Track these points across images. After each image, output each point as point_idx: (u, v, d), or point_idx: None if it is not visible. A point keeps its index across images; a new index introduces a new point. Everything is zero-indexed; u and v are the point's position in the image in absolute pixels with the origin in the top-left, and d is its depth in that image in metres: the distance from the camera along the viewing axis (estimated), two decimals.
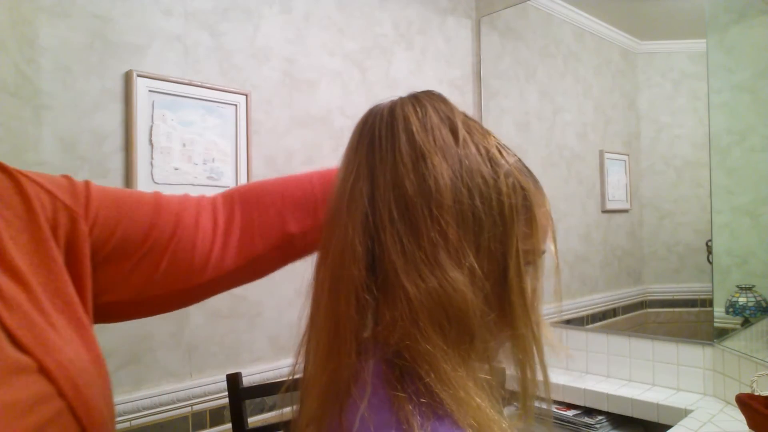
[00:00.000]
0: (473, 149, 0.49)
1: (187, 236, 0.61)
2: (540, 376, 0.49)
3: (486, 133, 0.51)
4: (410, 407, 0.42)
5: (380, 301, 0.48)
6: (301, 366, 0.52)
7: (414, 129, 0.48)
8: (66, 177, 0.56)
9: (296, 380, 0.52)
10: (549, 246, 0.53)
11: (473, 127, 0.51)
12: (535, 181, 0.53)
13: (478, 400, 0.43)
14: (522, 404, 0.50)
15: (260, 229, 0.64)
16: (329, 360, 0.48)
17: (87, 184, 0.56)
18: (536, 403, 0.50)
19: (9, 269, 0.46)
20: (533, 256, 0.50)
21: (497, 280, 0.47)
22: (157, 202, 0.61)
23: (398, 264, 0.45)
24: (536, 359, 0.49)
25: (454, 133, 0.49)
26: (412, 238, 0.45)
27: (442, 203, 0.46)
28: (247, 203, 0.65)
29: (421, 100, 0.52)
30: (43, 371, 0.45)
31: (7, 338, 0.44)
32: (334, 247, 0.50)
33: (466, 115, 0.52)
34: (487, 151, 0.49)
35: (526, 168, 0.53)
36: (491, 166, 0.49)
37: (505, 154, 0.50)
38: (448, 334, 0.44)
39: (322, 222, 0.57)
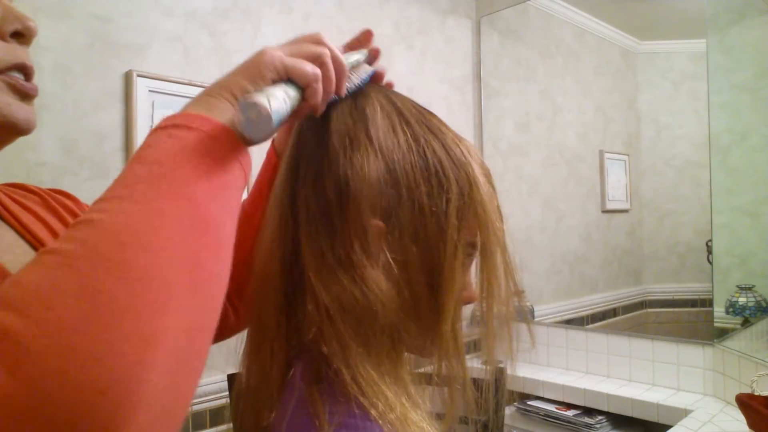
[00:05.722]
0: (405, 141, 0.45)
1: None
2: (459, 371, 0.47)
3: (426, 123, 0.48)
4: (324, 407, 0.41)
5: (297, 304, 0.46)
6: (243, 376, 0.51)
7: (343, 121, 0.46)
8: None
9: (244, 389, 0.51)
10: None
11: (414, 116, 0.48)
12: (483, 174, 0.49)
13: (391, 396, 0.41)
14: (448, 407, 0.48)
15: None
16: (252, 366, 0.48)
17: None
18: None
19: None
20: (471, 249, 0.47)
21: (424, 276, 0.45)
22: None
23: (311, 264, 0.43)
24: (454, 356, 0.46)
25: (387, 125, 0.46)
26: (328, 237, 0.43)
27: (363, 199, 0.42)
28: None
29: (363, 90, 0.49)
30: None
31: None
32: (259, 249, 0.48)
33: (411, 104, 0.49)
34: (423, 142, 0.46)
35: (477, 157, 0.49)
36: (424, 158, 0.45)
37: (445, 144, 0.47)
38: (360, 333, 0.42)
39: None
